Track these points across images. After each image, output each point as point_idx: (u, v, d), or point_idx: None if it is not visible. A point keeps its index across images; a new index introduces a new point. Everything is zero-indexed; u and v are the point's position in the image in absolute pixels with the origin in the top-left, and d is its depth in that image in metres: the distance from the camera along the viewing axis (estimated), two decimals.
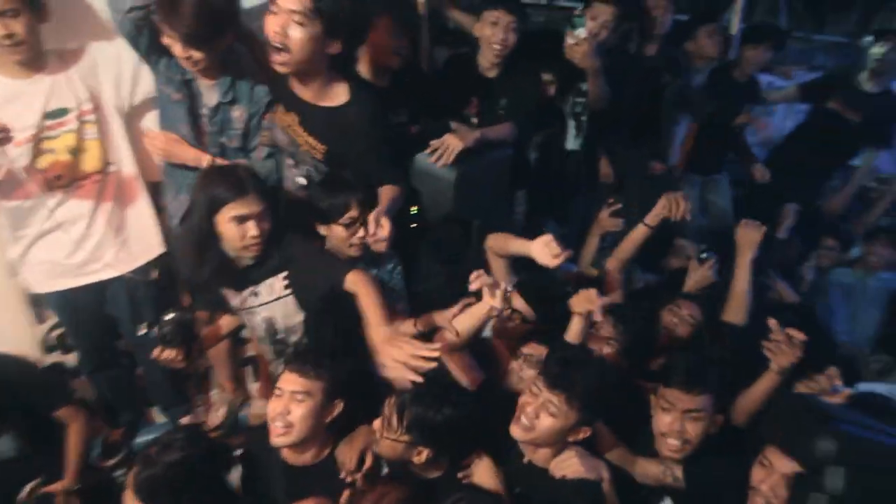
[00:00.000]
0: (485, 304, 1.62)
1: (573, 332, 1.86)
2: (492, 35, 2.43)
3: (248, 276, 1.87)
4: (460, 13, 2.86)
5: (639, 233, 2.35)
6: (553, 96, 2.71)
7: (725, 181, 3.71)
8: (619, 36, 2.80)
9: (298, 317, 1.94)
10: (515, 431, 1.58)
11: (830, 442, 0.91)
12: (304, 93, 1.92)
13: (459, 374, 1.79)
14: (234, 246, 1.76)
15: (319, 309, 1.84)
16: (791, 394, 1.35)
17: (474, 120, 2.59)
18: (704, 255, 2.47)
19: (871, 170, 3.72)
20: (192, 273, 1.82)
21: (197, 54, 1.76)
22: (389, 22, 2.18)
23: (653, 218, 2.30)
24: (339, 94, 1.93)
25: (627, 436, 1.76)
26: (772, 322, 1.75)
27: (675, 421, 1.63)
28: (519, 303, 2.03)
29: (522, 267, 2.11)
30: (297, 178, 2.08)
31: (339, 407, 1.69)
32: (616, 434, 1.75)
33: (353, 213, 1.94)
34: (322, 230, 2.00)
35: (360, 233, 1.94)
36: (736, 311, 2.20)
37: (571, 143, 2.90)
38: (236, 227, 1.70)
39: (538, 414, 1.54)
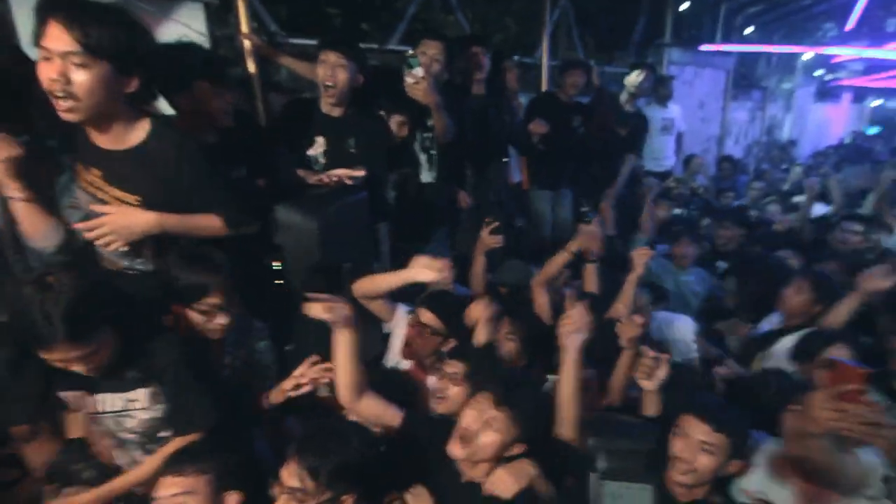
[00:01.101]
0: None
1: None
2: (324, 76, 2.35)
3: (100, 384, 1.51)
4: (293, 59, 2.76)
5: (562, 258, 2.50)
6: (404, 136, 2.70)
7: (569, 195, 4.07)
8: (450, 72, 2.93)
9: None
10: (456, 450, 1.53)
11: None
12: (104, 140, 1.58)
13: (372, 422, 1.70)
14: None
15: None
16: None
17: (322, 160, 2.48)
18: (588, 217, 2.62)
19: (628, 169, 4.39)
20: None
21: None
22: (207, 85, 1.95)
23: (574, 246, 2.49)
24: (139, 133, 1.59)
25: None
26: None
27: (685, 449, 1.59)
28: (427, 316, 2.02)
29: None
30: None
31: (233, 499, 1.41)
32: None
33: (215, 299, 1.68)
34: (176, 310, 1.71)
35: (221, 319, 1.71)
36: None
37: (426, 175, 2.91)
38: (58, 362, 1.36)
39: (482, 431, 1.51)
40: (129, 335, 1.48)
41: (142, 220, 1.62)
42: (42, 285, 1.27)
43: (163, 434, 1.61)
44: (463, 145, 3.00)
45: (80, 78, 1.38)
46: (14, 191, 1.54)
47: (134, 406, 1.55)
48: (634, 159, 4.40)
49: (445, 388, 1.83)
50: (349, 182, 2.28)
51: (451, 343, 2.09)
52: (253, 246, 2.10)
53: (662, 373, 1.83)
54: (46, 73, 1.37)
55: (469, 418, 1.55)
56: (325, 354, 2.17)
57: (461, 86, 3.16)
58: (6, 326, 1.33)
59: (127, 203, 1.63)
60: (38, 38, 1.36)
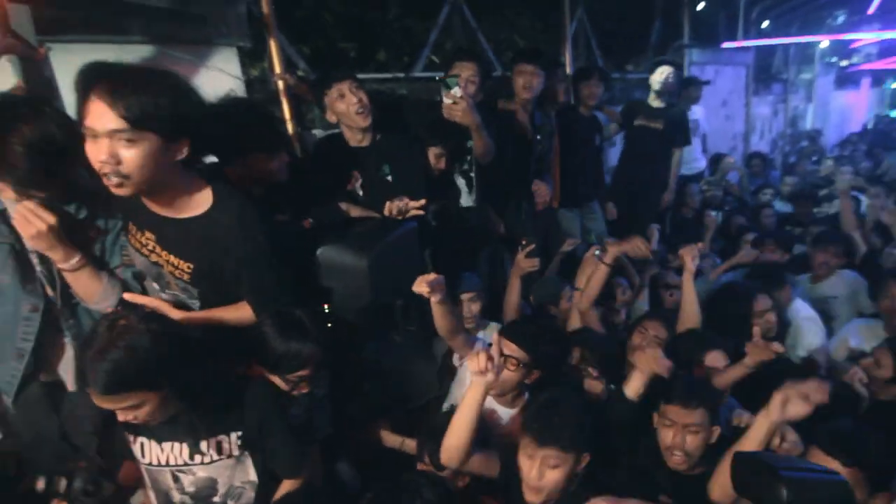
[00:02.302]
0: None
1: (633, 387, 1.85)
2: (347, 107, 2.24)
3: (183, 428, 1.42)
4: None
5: (601, 272, 2.42)
6: (445, 168, 2.59)
7: (598, 208, 3.94)
8: (485, 93, 2.82)
9: (249, 477, 1.52)
10: (530, 497, 1.56)
11: (786, 490, 1.02)
12: (160, 207, 1.48)
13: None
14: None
15: None
16: (739, 453, 1.35)
17: (360, 192, 2.38)
18: (598, 253, 2.56)
19: (679, 163, 4.34)
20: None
21: (37, 194, 1.37)
22: (264, 156, 1.86)
23: (609, 258, 2.42)
24: (201, 202, 1.49)
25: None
26: None
27: (676, 435, 1.70)
28: (510, 348, 1.86)
29: None
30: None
31: None
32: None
33: (305, 371, 1.60)
34: (258, 371, 1.62)
35: (305, 390, 1.65)
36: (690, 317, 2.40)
37: (465, 199, 2.79)
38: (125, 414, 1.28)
39: (542, 474, 1.53)
40: (206, 385, 1.39)
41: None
42: (113, 329, 1.23)
43: (215, 500, 1.51)
44: (502, 166, 2.87)
45: (129, 155, 1.28)
46: (60, 261, 1.46)
47: (203, 459, 1.45)
48: (679, 153, 4.26)
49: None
50: (416, 212, 2.15)
51: (536, 375, 1.94)
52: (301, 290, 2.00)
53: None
54: (95, 155, 1.27)
55: (526, 467, 1.56)
56: (379, 395, 2.07)
57: (502, 111, 3.03)
58: None
59: (179, 269, 1.54)
60: (81, 116, 1.27)
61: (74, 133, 1.32)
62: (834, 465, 1.45)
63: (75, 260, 1.46)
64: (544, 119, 3.26)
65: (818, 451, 1.53)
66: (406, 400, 2.13)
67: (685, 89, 4.97)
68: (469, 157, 2.67)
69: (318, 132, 2.85)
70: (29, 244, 1.44)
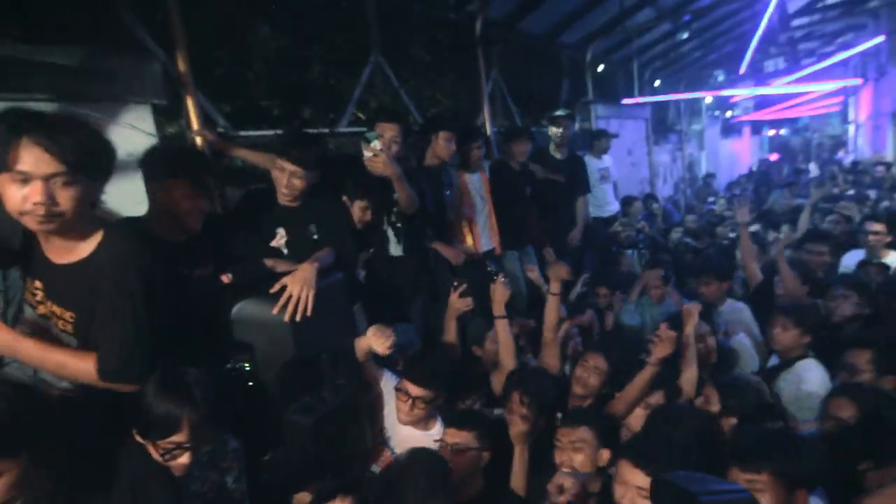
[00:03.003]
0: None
1: None
2: (279, 179, 2.26)
3: None
4: (247, 150, 2.66)
5: (553, 302, 2.58)
6: (370, 220, 2.61)
7: (532, 251, 4.12)
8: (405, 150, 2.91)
9: None
10: None
11: None
12: (53, 253, 1.45)
13: None
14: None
15: None
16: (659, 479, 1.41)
17: (285, 251, 2.33)
18: (491, 269, 2.74)
19: (583, 208, 4.71)
20: None
21: None
22: (182, 184, 1.83)
23: (554, 287, 2.59)
24: (91, 244, 1.45)
25: None
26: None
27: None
28: (415, 390, 2.06)
29: None
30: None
31: None
32: None
33: (180, 437, 1.38)
34: (138, 439, 1.44)
35: (184, 460, 1.41)
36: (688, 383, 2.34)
37: (394, 249, 2.81)
38: None
39: None
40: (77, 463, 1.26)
41: None
42: None
43: None
44: (424, 215, 2.94)
45: (65, 196, 1.31)
46: None
47: None
48: (584, 199, 4.61)
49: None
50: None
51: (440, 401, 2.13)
52: (218, 347, 1.90)
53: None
54: (28, 197, 1.27)
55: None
56: (308, 457, 1.96)
57: (418, 166, 3.15)
58: None
59: (63, 319, 1.45)
60: (7, 162, 1.24)
61: None
62: (641, 475, 1.54)
63: None
64: (452, 175, 3.41)
65: (627, 462, 1.61)
66: (336, 461, 2.03)
67: (596, 140, 5.41)
68: (395, 209, 2.72)
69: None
70: None
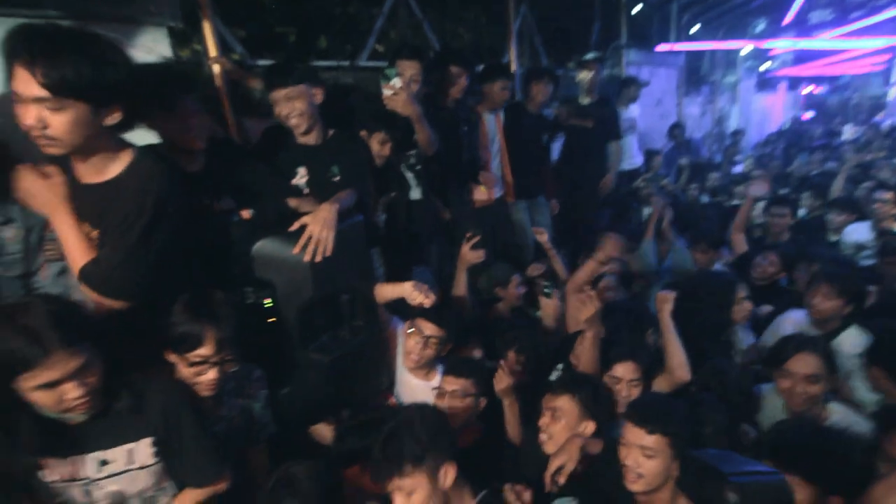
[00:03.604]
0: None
1: None
2: (281, 113, 2.18)
3: (84, 440, 1.31)
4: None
5: (590, 267, 2.54)
6: (390, 155, 2.54)
7: (544, 202, 4.05)
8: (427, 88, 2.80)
9: (165, 485, 1.44)
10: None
11: (734, 494, 1.08)
12: (83, 173, 1.46)
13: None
14: (50, 411, 1.23)
15: None
16: (687, 457, 1.41)
17: (306, 191, 2.30)
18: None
19: (617, 154, 4.59)
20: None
21: None
22: (191, 102, 1.80)
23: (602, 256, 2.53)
24: (118, 166, 1.46)
25: None
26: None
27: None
28: (430, 328, 2.12)
29: None
30: None
31: None
32: None
33: (205, 351, 1.49)
34: (170, 358, 1.53)
35: (211, 375, 1.53)
36: (679, 366, 2.11)
37: (414, 193, 2.77)
38: (48, 394, 1.20)
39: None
40: (119, 369, 1.32)
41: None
42: (13, 309, 1.18)
43: None
44: (444, 158, 2.87)
45: (56, 121, 1.29)
46: None
47: (117, 467, 1.36)
48: (616, 145, 4.46)
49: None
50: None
51: (448, 348, 2.21)
52: (240, 283, 1.91)
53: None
54: (23, 119, 1.29)
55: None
56: (323, 396, 2.02)
57: (441, 105, 3.02)
58: None
59: (91, 240, 1.46)
60: (9, 81, 1.26)
61: None
62: (641, 433, 1.58)
63: None
64: (470, 112, 3.28)
65: (630, 423, 1.62)
66: (351, 398, 2.09)
67: (625, 88, 5.18)
68: (416, 151, 2.65)
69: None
70: None
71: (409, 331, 2.16)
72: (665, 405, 1.69)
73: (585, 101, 4.33)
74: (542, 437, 1.85)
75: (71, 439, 1.30)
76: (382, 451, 1.42)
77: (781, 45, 10.03)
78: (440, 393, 2.03)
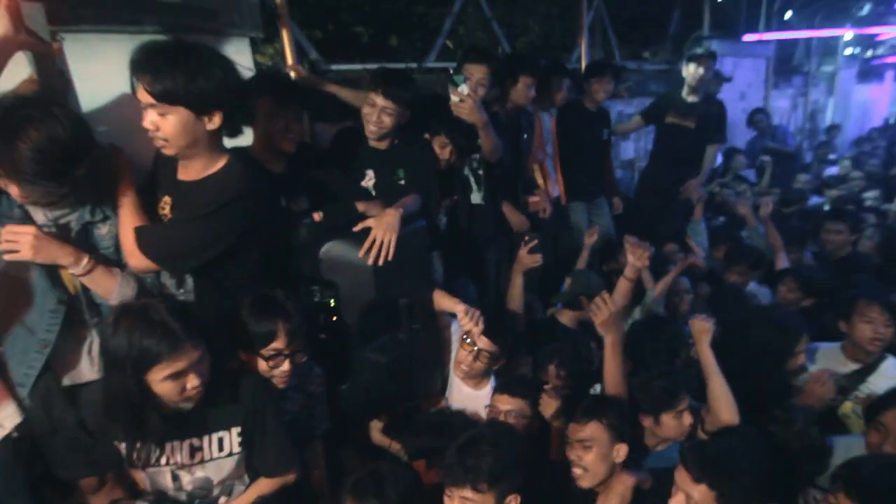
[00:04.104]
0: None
1: None
2: (369, 115, 2.27)
3: (186, 426, 1.47)
4: (338, 87, 2.67)
5: (623, 285, 2.34)
6: (452, 160, 2.57)
7: (605, 203, 3.91)
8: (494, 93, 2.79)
9: (240, 472, 1.57)
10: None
11: None
12: (184, 172, 1.65)
13: None
14: (171, 401, 1.39)
15: None
16: None
17: (373, 193, 2.38)
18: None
19: (713, 159, 4.27)
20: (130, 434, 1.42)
21: (42, 195, 1.44)
22: (271, 102, 1.94)
23: (630, 271, 2.32)
24: (213, 168, 1.63)
25: None
26: None
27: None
28: (483, 342, 2.10)
29: None
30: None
31: None
32: None
33: (279, 344, 1.61)
34: (242, 356, 1.65)
35: (286, 367, 1.64)
36: (726, 409, 1.89)
37: (475, 197, 2.79)
38: (173, 384, 1.35)
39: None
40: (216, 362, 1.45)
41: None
42: (142, 308, 1.35)
43: (213, 495, 1.56)
44: (506, 164, 2.86)
45: (165, 124, 1.49)
46: (70, 267, 1.51)
47: (208, 454, 1.49)
48: (715, 149, 4.15)
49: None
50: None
51: (502, 362, 2.18)
52: (308, 282, 2.03)
53: None
54: (144, 123, 1.50)
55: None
56: (380, 392, 2.10)
57: (506, 110, 3.01)
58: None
59: None
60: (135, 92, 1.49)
61: (82, 134, 1.42)
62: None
63: (84, 262, 1.50)
64: (531, 118, 3.23)
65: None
66: (406, 398, 2.17)
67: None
68: (478, 155, 2.66)
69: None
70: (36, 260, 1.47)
71: (463, 341, 2.16)
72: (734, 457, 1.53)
73: (689, 99, 3.98)
74: (576, 471, 1.71)
75: (170, 426, 1.44)
76: (460, 457, 1.44)
77: (888, 30, 9.01)
78: (493, 410, 2.01)
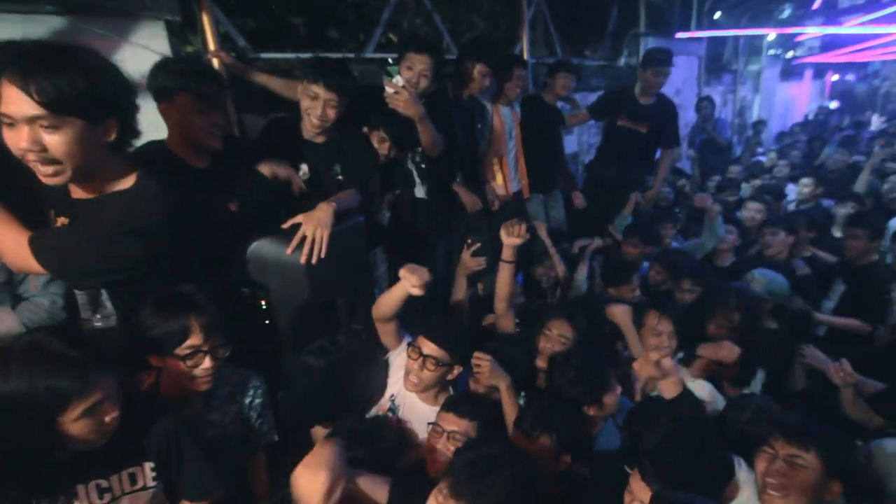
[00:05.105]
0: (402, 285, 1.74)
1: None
2: (310, 108, 2.10)
3: (91, 466, 1.26)
4: (267, 76, 2.49)
5: (505, 271, 2.29)
6: (392, 154, 2.45)
7: (559, 196, 3.93)
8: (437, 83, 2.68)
9: (161, 501, 1.39)
10: None
11: None
12: (81, 192, 1.38)
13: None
14: (86, 440, 1.18)
15: None
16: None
17: (307, 188, 2.22)
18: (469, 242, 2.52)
19: (668, 166, 4.21)
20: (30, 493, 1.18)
21: None
22: (189, 99, 1.73)
23: (507, 253, 2.26)
24: (120, 185, 1.39)
25: None
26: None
27: None
28: (429, 347, 1.86)
29: None
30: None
31: None
32: None
33: (195, 340, 1.45)
34: (155, 362, 1.47)
35: (206, 363, 1.47)
36: None
37: (419, 191, 2.68)
38: (90, 421, 1.15)
39: None
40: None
41: None
42: (30, 347, 1.13)
43: None
44: (452, 157, 2.77)
45: (55, 141, 1.19)
46: None
47: (119, 490, 1.30)
48: (671, 154, 4.07)
49: (446, 449, 1.64)
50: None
51: (458, 371, 1.93)
52: (235, 283, 1.86)
53: None
54: (15, 143, 1.18)
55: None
56: (320, 398, 1.96)
57: (452, 100, 2.92)
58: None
59: None
60: None
61: None
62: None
63: None
64: (483, 108, 3.15)
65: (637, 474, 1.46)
66: (350, 404, 2.03)
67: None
68: (420, 149, 2.55)
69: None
70: None
71: (408, 347, 1.94)
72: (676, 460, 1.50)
73: (643, 100, 3.84)
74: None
75: (74, 470, 1.24)
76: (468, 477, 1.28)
77: (809, 31, 9.60)
78: (435, 430, 1.73)
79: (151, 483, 1.33)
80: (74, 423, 1.13)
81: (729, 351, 2.16)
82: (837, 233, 3.86)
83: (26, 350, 1.12)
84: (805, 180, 4.53)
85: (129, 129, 1.34)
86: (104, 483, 1.27)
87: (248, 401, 1.71)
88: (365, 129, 2.43)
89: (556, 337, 2.22)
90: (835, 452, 1.46)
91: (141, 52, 2.12)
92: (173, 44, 2.30)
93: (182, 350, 1.44)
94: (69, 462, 1.20)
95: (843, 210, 3.86)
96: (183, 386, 1.52)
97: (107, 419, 1.18)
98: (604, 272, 3.12)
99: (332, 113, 2.11)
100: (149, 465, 1.33)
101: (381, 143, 2.40)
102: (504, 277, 2.29)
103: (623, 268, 2.97)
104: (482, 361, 1.88)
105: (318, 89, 2.05)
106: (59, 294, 1.64)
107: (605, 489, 1.62)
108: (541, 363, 2.22)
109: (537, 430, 1.68)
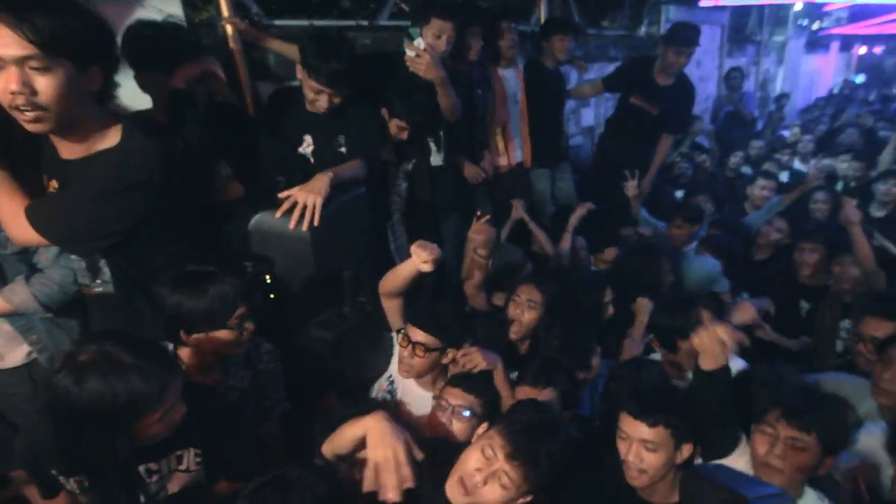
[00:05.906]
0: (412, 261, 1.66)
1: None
2: (315, 100, 2.03)
3: (143, 453, 1.26)
4: (280, 42, 2.40)
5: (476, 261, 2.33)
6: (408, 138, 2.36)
7: (568, 168, 3.75)
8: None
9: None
10: (455, 495, 1.26)
11: None
12: (68, 150, 1.33)
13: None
14: (159, 435, 1.21)
15: None
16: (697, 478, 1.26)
17: (312, 160, 2.16)
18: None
19: (665, 153, 3.94)
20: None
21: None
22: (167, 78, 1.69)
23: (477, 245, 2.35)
24: (106, 142, 1.33)
25: None
26: None
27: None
28: (418, 335, 1.77)
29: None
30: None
31: None
32: None
33: (242, 309, 1.47)
34: (195, 340, 1.47)
35: (251, 326, 1.51)
36: None
37: (435, 159, 2.60)
38: (164, 422, 1.16)
39: (488, 482, 1.24)
40: None
41: None
42: (97, 357, 1.09)
43: None
44: (466, 123, 2.66)
45: (44, 84, 1.14)
46: None
47: (166, 470, 1.31)
48: (669, 140, 3.80)
49: (446, 419, 1.63)
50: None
51: (451, 355, 1.82)
52: (238, 256, 1.83)
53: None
54: (4, 86, 1.12)
55: (474, 463, 1.27)
56: (325, 371, 1.95)
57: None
58: None
59: None
60: None
61: None
62: (642, 427, 1.41)
63: None
64: (483, 71, 2.97)
65: (628, 415, 1.45)
66: (355, 374, 2.02)
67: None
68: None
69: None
70: None
71: (398, 333, 1.86)
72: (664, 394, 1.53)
73: (661, 80, 3.56)
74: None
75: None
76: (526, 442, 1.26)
77: (836, 0, 9.06)
78: (440, 403, 1.69)
79: (195, 467, 1.33)
80: (151, 426, 1.13)
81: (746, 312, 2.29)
82: (878, 212, 3.63)
83: (100, 362, 1.08)
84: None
85: (111, 80, 1.29)
86: (154, 466, 1.28)
87: (261, 366, 1.69)
88: (383, 111, 2.33)
89: (524, 302, 2.13)
90: (834, 433, 1.45)
91: (156, 16, 2.05)
92: (186, 12, 2.22)
93: (233, 320, 1.46)
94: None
95: (885, 187, 3.64)
96: (216, 355, 1.52)
97: (177, 416, 1.18)
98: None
99: (337, 100, 2.03)
100: (194, 451, 1.31)
101: (399, 131, 2.31)
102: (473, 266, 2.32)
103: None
104: (469, 355, 1.78)
105: (319, 84, 1.97)
106: (69, 267, 1.63)
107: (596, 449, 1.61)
108: (514, 333, 2.14)
109: (542, 383, 1.68)
